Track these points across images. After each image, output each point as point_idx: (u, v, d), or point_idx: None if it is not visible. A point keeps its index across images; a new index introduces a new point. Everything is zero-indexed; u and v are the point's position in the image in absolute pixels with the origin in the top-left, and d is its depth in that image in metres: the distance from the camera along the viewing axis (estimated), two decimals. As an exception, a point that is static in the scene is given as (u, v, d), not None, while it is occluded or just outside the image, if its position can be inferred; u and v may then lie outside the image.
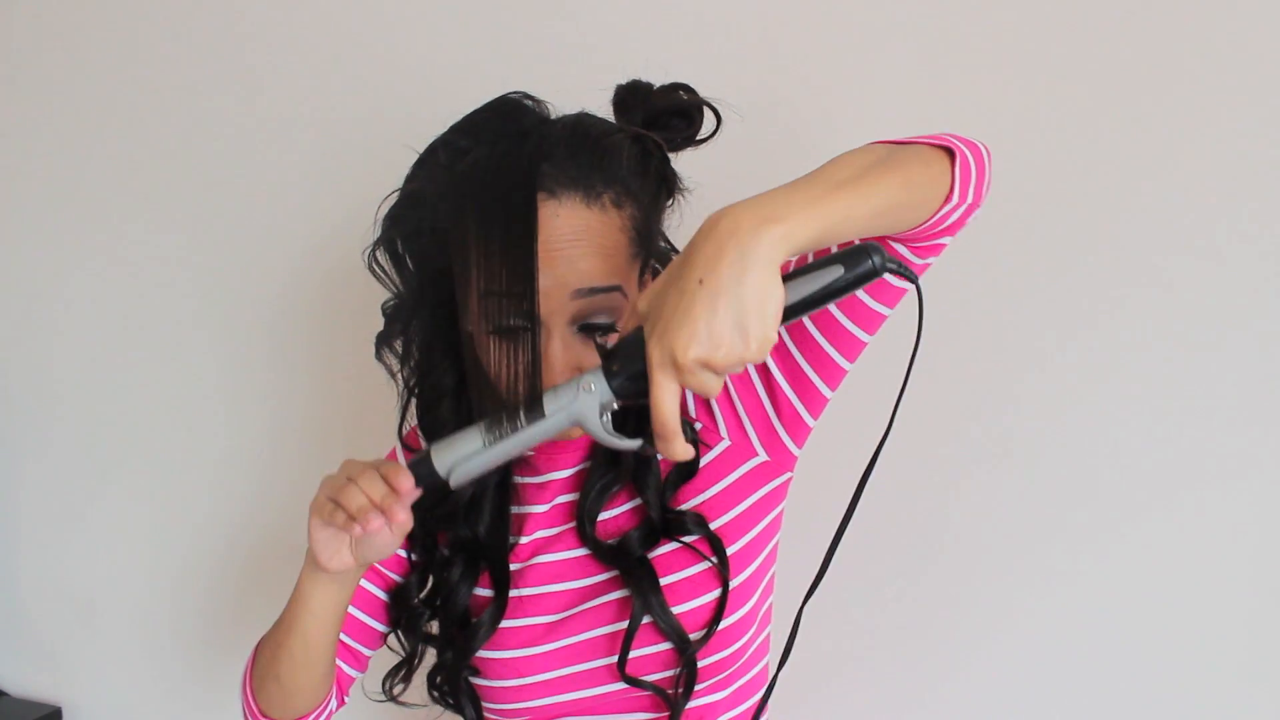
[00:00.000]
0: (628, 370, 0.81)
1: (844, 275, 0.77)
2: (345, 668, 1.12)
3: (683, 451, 0.77)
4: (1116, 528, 1.31)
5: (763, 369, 1.03)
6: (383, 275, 1.05)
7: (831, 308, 0.97)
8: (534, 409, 0.85)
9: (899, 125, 1.31)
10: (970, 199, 0.88)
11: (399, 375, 1.10)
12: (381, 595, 1.12)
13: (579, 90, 1.03)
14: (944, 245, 0.94)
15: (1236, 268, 1.24)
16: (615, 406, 0.84)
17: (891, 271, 0.78)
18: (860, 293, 0.95)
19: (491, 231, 0.91)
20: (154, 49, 1.70)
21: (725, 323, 0.72)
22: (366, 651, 1.14)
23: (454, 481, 0.89)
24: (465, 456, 0.88)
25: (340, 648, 1.11)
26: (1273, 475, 1.26)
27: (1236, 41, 1.21)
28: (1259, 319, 1.24)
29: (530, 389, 0.89)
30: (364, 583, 1.11)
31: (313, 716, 1.08)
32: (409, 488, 0.89)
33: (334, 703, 1.11)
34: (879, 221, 0.82)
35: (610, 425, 0.84)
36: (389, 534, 0.93)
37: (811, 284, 0.77)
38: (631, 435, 0.85)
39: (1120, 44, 1.24)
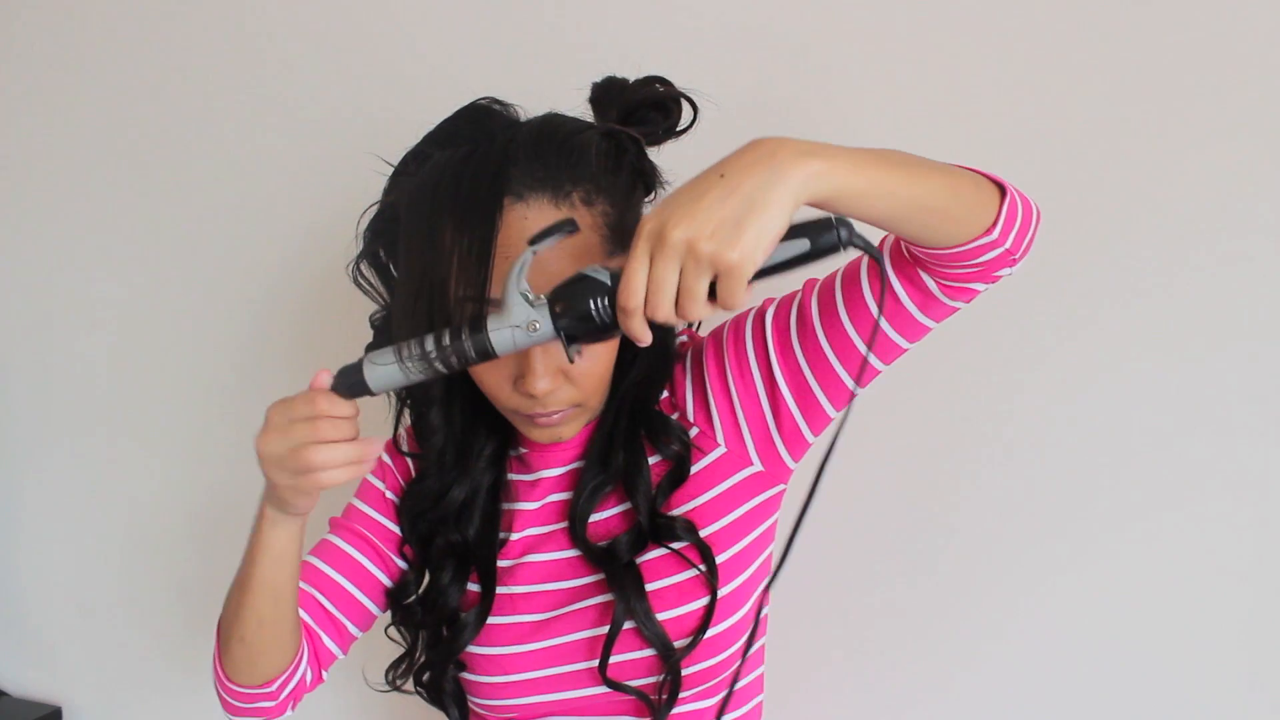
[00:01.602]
0: (574, 311, 0.80)
1: (810, 244, 0.76)
2: (328, 641, 1.10)
3: (641, 332, 0.76)
4: (1118, 529, 1.30)
5: (769, 380, 1.02)
6: (369, 288, 1.06)
7: (855, 339, 0.96)
8: (478, 332, 0.83)
9: (882, 111, 1.31)
10: (1009, 244, 0.87)
11: None
12: (381, 577, 1.11)
13: (555, 90, 1.02)
14: (975, 291, 0.93)
15: (1238, 268, 1.22)
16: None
17: (857, 247, 0.77)
18: (889, 329, 0.95)
19: (441, 232, 0.90)
20: (145, 56, 1.70)
21: (727, 216, 0.72)
22: (353, 629, 1.11)
23: (378, 390, 0.87)
24: (393, 377, 0.85)
25: (327, 620, 1.09)
26: (1274, 476, 1.24)
27: (1243, 41, 1.19)
28: (1260, 320, 1.22)
29: (475, 320, 0.85)
30: (365, 562, 1.10)
31: (283, 679, 1.04)
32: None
33: (308, 672, 1.08)
34: (914, 214, 0.81)
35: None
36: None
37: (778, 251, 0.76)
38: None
39: (1125, 40, 1.22)
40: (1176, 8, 1.20)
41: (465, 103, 1.01)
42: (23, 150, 1.82)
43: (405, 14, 1.53)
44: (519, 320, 0.81)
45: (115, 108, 1.73)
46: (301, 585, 1.08)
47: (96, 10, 1.72)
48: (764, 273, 0.76)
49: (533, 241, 0.82)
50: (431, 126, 1.00)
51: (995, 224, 0.85)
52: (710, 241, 0.72)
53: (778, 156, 0.74)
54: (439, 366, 0.84)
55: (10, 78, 1.81)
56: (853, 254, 0.82)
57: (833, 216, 0.76)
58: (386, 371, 0.85)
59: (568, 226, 0.82)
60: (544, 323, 0.81)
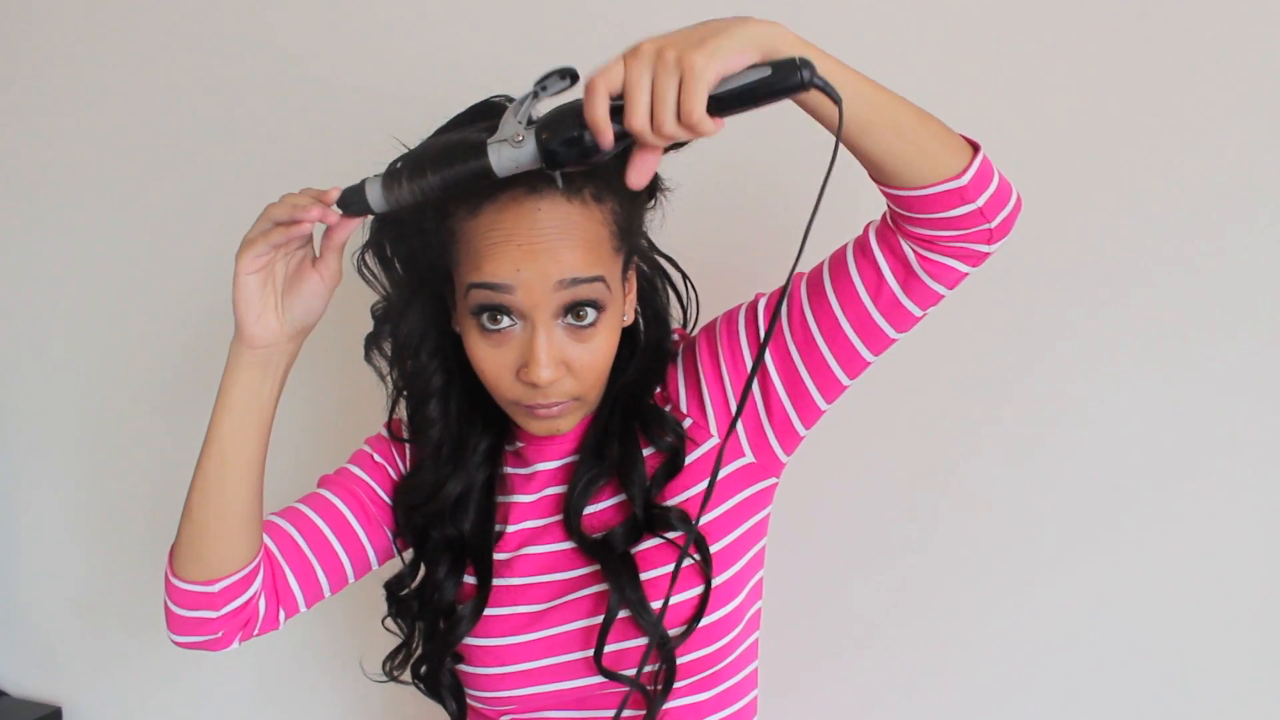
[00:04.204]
0: (560, 136, 0.84)
1: (771, 71, 0.80)
2: (291, 580, 1.08)
3: (599, 117, 0.80)
4: (1107, 526, 1.31)
5: (761, 370, 1.03)
6: (371, 278, 1.07)
7: (843, 322, 0.98)
8: (479, 155, 0.87)
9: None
10: (982, 203, 0.89)
11: (389, 377, 1.11)
12: (362, 536, 1.11)
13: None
14: (957, 272, 0.95)
15: (1234, 267, 1.24)
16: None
17: (818, 87, 0.80)
18: (870, 305, 0.97)
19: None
20: (152, 50, 1.72)
21: (693, 35, 0.79)
22: (323, 580, 1.10)
23: (376, 207, 0.91)
24: (390, 196, 0.90)
25: (296, 556, 1.08)
26: (1267, 474, 1.26)
27: (1242, 38, 1.21)
28: (1259, 318, 1.24)
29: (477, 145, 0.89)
30: (349, 516, 1.11)
31: (228, 584, 1.02)
32: (333, 198, 0.92)
33: (261, 600, 1.06)
34: (878, 122, 0.86)
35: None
36: (318, 281, 0.97)
37: (739, 78, 0.80)
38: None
39: (1127, 38, 1.24)
40: (1173, 8, 1.22)
41: (478, 99, 1.02)
42: (24, 150, 1.83)
43: (414, 10, 1.54)
44: (506, 134, 0.86)
45: (120, 106, 1.75)
46: (277, 520, 1.09)
47: (103, 10, 1.74)
48: (729, 104, 0.80)
49: (539, 82, 0.87)
50: (442, 121, 1.01)
51: (965, 171, 0.88)
52: (675, 49, 0.78)
53: (747, 16, 0.81)
54: (434, 186, 0.88)
55: (10, 78, 1.83)
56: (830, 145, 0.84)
57: (796, 57, 0.80)
58: (386, 190, 0.90)
59: (570, 75, 0.88)
60: (529, 139, 0.85)
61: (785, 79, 0.80)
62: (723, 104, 0.80)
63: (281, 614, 1.09)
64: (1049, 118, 1.27)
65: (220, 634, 1.05)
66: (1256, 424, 1.25)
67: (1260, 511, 1.26)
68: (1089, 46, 1.26)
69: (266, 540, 1.07)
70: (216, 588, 1.02)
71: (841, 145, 0.86)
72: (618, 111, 0.81)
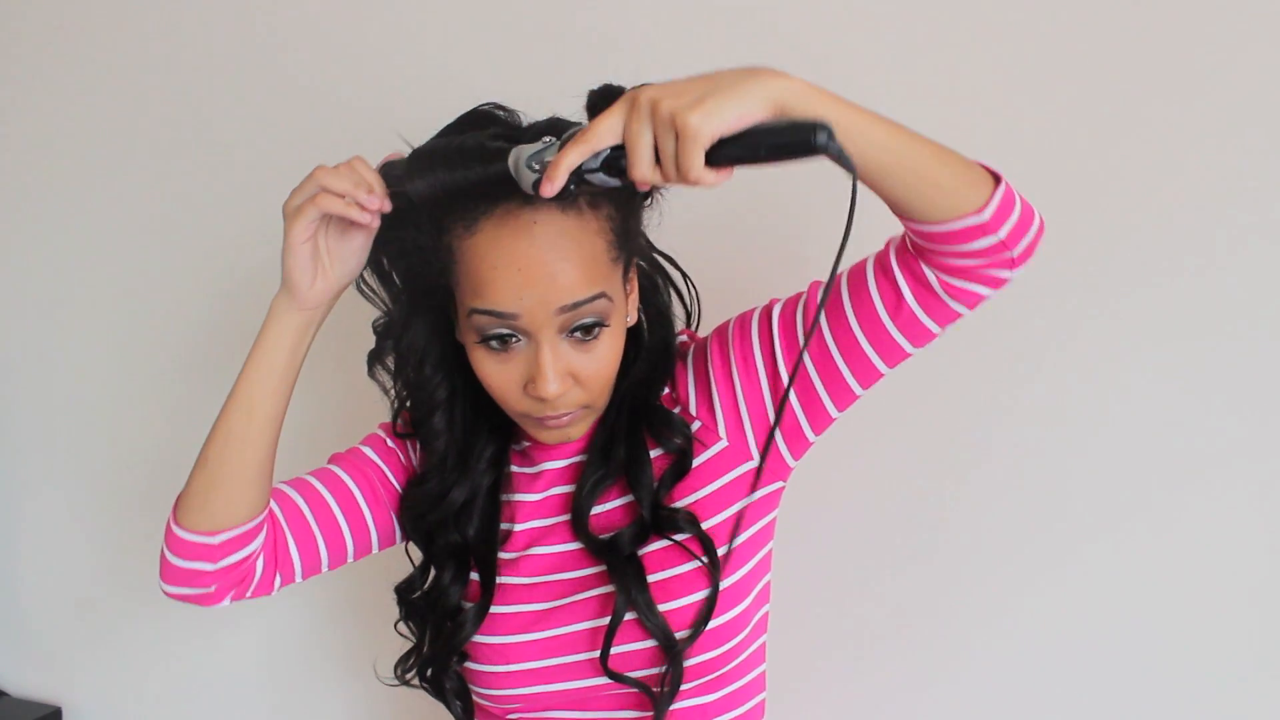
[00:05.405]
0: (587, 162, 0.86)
1: (786, 132, 0.79)
2: (293, 548, 1.09)
3: (560, 175, 0.83)
4: (1116, 527, 1.32)
5: (772, 373, 1.03)
6: (371, 294, 1.07)
7: (860, 337, 0.98)
8: (500, 158, 0.90)
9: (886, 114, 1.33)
10: (1003, 234, 0.89)
11: (392, 391, 1.12)
12: (367, 515, 1.12)
13: (553, 97, 1.04)
14: (977, 296, 0.95)
15: (1242, 268, 1.24)
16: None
17: (831, 155, 0.79)
18: (888, 322, 0.97)
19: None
20: (150, 59, 1.71)
21: (695, 90, 0.80)
22: (324, 553, 1.11)
23: (411, 192, 0.93)
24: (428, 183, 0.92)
25: (300, 525, 1.09)
26: (1266, 476, 1.26)
27: (1242, 38, 1.21)
28: (1255, 320, 1.25)
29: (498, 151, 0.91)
30: (357, 494, 1.12)
31: (229, 538, 1.02)
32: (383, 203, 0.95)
33: (260, 562, 1.07)
34: (896, 168, 0.85)
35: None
36: (365, 235, 0.98)
37: (751, 136, 0.80)
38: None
39: (1129, 38, 1.24)
40: (1174, 9, 1.22)
41: (468, 108, 1.02)
42: (22, 151, 1.83)
43: (405, 20, 1.54)
44: (529, 153, 0.87)
45: (116, 107, 1.74)
46: (285, 488, 1.10)
47: (103, 10, 1.73)
48: (738, 158, 0.80)
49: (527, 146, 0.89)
50: (434, 132, 1.01)
51: (986, 205, 0.87)
52: (674, 101, 0.79)
53: (760, 69, 0.81)
54: (461, 180, 0.91)
55: (10, 77, 1.82)
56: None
57: (815, 121, 0.79)
58: (409, 179, 0.93)
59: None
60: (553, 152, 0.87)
61: (799, 140, 0.78)
62: (728, 159, 0.79)
63: (277, 579, 1.10)
64: (1055, 121, 1.27)
65: (214, 588, 1.05)
66: (1262, 425, 1.26)
67: (1265, 514, 1.27)
68: (1093, 52, 1.25)
69: (273, 505, 1.08)
70: (217, 539, 1.03)
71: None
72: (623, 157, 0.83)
